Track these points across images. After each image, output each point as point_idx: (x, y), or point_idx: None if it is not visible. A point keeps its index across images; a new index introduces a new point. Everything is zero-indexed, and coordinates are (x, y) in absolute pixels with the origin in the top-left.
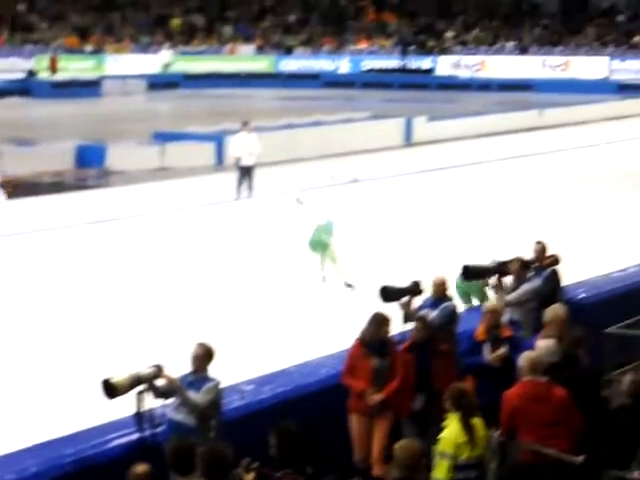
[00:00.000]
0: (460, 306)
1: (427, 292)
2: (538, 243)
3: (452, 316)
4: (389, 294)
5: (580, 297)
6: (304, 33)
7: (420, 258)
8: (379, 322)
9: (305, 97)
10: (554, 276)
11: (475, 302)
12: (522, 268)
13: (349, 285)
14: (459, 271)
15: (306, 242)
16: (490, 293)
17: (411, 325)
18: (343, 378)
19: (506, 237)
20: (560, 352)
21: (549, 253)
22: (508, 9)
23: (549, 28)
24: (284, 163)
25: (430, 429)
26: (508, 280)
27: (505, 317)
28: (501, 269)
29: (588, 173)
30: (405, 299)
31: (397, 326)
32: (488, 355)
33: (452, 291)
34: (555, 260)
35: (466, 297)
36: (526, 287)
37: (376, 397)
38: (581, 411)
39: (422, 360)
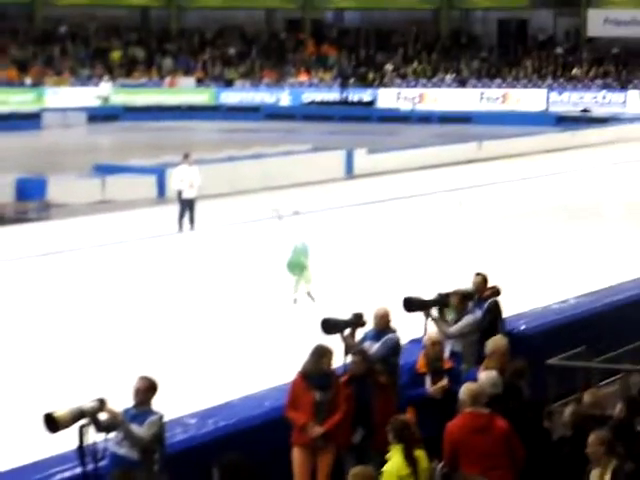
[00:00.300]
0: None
1: (370, 324)
2: (478, 275)
3: (395, 348)
4: (331, 326)
5: (521, 328)
6: (244, 66)
7: (361, 290)
8: (319, 355)
9: (246, 129)
10: (494, 308)
11: None
12: (463, 300)
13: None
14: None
15: (284, 263)
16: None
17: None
18: (286, 411)
19: (447, 269)
20: (502, 383)
21: (489, 285)
22: (447, 42)
23: (487, 60)
24: (225, 196)
25: (370, 462)
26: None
27: (447, 349)
28: (442, 301)
29: (527, 205)
30: (347, 331)
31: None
32: (429, 387)
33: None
34: (495, 292)
35: None
36: (467, 319)
37: (317, 429)
38: (523, 442)
39: (361, 393)
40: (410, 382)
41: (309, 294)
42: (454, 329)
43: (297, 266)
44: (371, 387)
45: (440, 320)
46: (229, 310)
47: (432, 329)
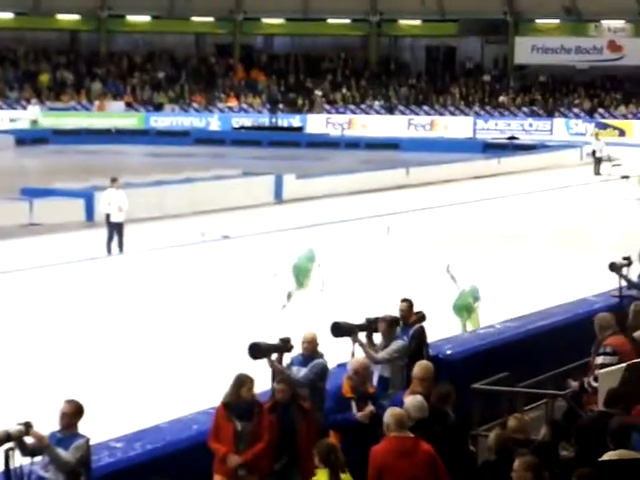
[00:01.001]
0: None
1: (297, 349)
2: (404, 301)
3: (322, 373)
4: (258, 351)
5: (447, 353)
6: (173, 90)
7: (289, 315)
8: (239, 384)
9: (175, 154)
10: (420, 333)
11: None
12: (391, 325)
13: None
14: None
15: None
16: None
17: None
18: (208, 441)
19: (375, 294)
20: (427, 408)
21: (415, 310)
22: (376, 68)
23: (416, 87)
24: (155, 220)
25: None
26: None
27: (375, 374)
28: (371, 326)
29: (454, 231)
30: (274, 356)
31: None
32: (356, 412)
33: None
34: (421, 317)
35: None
36: (396, 345)
37: (235, 460)
38: (448, 466)
39: (285, 420)
40: (336, 407)
41: (289, 296)
42: (382, 355)
43: (302, 271)
44: (296, 413)
45: (368, 345)
46: (157, 333)
47: (360, 354)
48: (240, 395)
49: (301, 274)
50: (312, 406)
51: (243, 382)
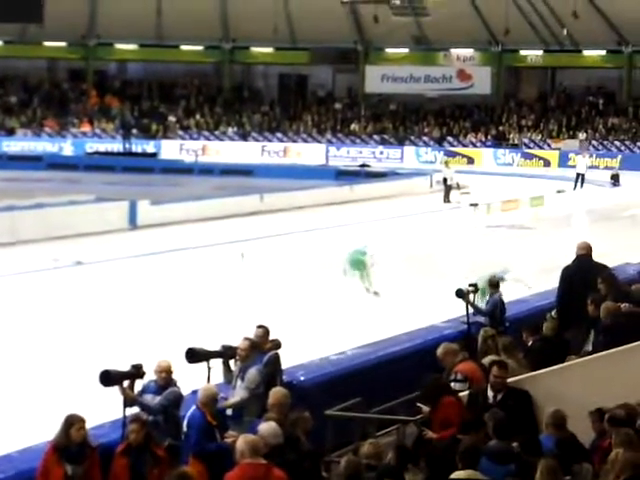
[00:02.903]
0: None
1: (149, 376)
2: (259, 327)
3: (176, 401)
4: (110, 378)
5: (300, 379)
6: (26, 115)
7: (144, 341)
8: (68, 424)
9: (28, 179)
10: (275, 360)
11: None
12: (251, 350)
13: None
14: None
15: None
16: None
17: (133, 410)
18: None
19: (231, 320)
20: (282, 434)
21: (271, 337)
22: (229, 95)
23: (269, 115)
24: (6, 245)
25: None
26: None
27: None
28: (227, 353)
29: (308, 257)
30: (126, 383)
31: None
32: (221, 439)
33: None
34: (276, 344)
35: None
36: (251, 375)
37: None
38: None
39: (137, 466)
40: (201, 435)
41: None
42: (244, 393)
43: (358, 263)
44: (149, 460)
45: (225, 371)
46: (7, 361)
47: (218, 380)
48: (70, 436)
49: (359, 265)
50: (165, 454)
51: (72, 422)
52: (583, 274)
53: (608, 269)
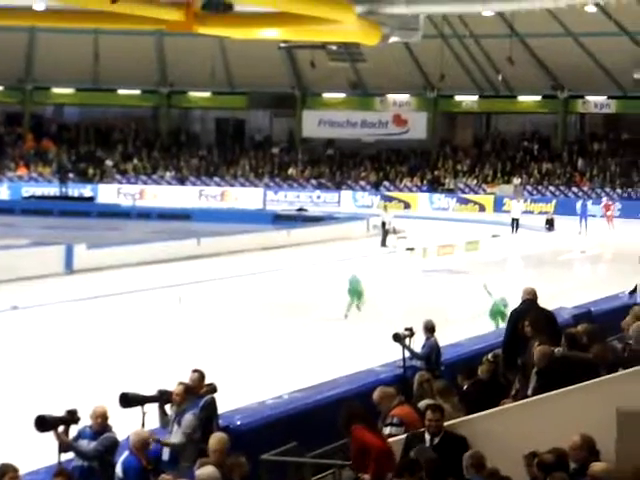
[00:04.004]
0: None
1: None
2: (195, 371)
3: (112, 447)
4: (45, 423)
5: (237, 424)
6: None
7: (79, 386)
8: (2, 474)
9: None
10: (211, 404)
11: None
12: (185, 394)
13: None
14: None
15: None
16: None
17: (68, 456)
18: None
19: (167, 364)
20: (220, 478)
21: (207, 381)
22: (166, 140)
23: (206, 159)
24: None
25: None
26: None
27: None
28: (162, 397)
29: (245, 302)
30: (61, 428)
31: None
32: None
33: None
34: (212, 389)
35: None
36: (187, 420)
37: None
38: None
39: None
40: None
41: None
42: (180, 439)
43: (355, 292)
44: None
45: (161, 416)
46: None
47: (150, 425)
48: None
49: (356, 294)
50: None
51: (5, 472)
52: (529, 318)
53: (551, 314)
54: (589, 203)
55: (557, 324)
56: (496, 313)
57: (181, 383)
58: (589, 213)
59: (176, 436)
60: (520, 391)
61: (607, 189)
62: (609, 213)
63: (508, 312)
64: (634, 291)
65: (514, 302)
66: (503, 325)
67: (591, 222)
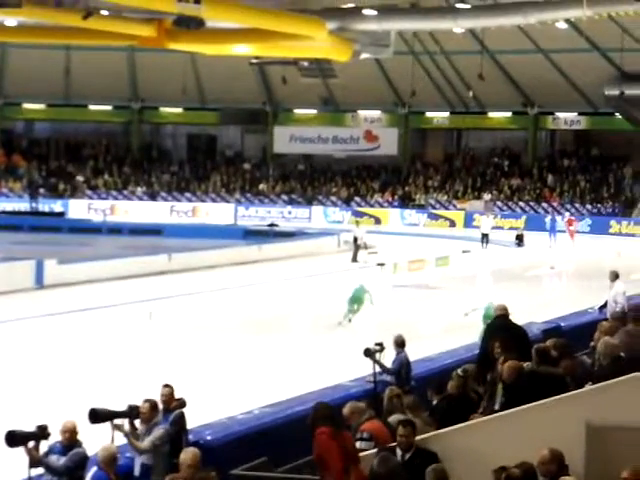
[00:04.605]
0: None
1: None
2: (166, 386)
3: (81, 462)
4: (15, 439)
5: (207, 439)
6: None
7: (50, 402)
8: None
9: None
10: (180, 419)
11: None
12: (152, 411)
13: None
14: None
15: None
16: None
17: (38, 471)
18: None
19: (138, 379)
20: None
21: (178, 396)
22: (138, 155)
23: (178, 174)
24: None
25: None
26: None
27: (137, 462)
28: (132, 412)
29: (216, 317)
30: (31, 444)
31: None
32: None
33: None
34: (182, 403)
35: None
36: (157, 432)
37: None
38: None
39: None
40: None
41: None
42: (146, 444)
43: (357, 300)
44: None
45: (130, 432)
46: None
47: (120, 441)
48: None
49: (356, 302)
50: None
51: None
52: (501, 334)
53: (523, 330)
54: (559, 218)
55: (528, 340)
56: (488, 317)
57: (146, 401)
58: (558, 228)
59: (144, 443)
60: (488, 406)
61: (577, 205)
62: (572, 228)
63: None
64: (603, 306)
65: (511, 311)
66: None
67: (562, 237)
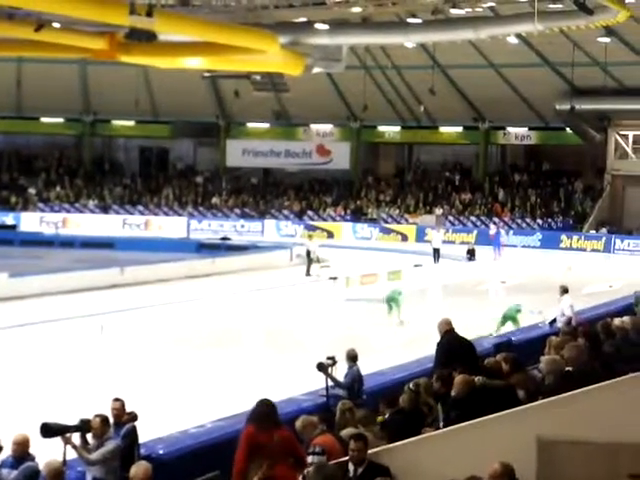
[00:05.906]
0: None
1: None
2: (116, 400)
3: (33, 476)
4: None
5: (159, 453)
6: None
7: (0, 416)
8: None
9: None
10: (132, 433)
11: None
12: (103, 426)
13: None
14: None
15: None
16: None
17: None
18: None
19: (88, 394)
20: None
21: (129, 409)
22: (90, 168)
23: (130, 187)
24: None
25: None
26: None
27: (88, 476)
28: (84, 427)
29: (169, 331)
30: None
31: None
32: None
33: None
34: (133, 417)
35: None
36: (109, 445)
37: None
38: None
39: None
40: None
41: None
42: (96, 456)
43: (392, 300)
44: None
45: (82, 446)
46: None
47: (71, 455)
48: None
49: (393, 302)
50: None
51: None
52: (453, 348)
53: (470, 342)
54: (502, 232)
55: (475, 353)
56: (509, 317)
57: (97, 415)
58: (509, 243)
59: (94, 455)
60: (437, 420)
61: (528, 219)
62: (502, 239)
63: (520, 318)
64: (554, 321)
65: (462, 325)
66: (506, 328)
67: (511, 251)
